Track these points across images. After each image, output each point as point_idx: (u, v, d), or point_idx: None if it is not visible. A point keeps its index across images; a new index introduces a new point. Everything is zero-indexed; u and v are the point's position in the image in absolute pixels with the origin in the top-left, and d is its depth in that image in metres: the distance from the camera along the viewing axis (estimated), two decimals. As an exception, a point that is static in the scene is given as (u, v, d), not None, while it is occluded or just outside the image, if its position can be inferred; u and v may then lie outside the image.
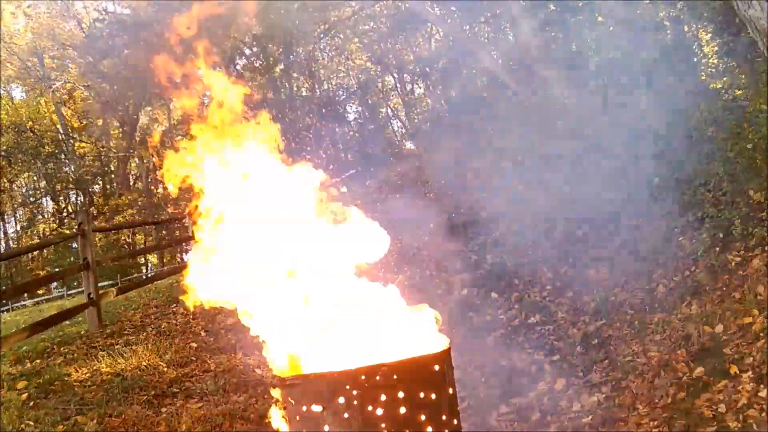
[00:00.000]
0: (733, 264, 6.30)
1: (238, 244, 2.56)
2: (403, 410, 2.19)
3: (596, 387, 5.79)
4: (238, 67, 23.45)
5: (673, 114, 7.83)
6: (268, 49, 21.44)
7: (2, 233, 30.16)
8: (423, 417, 2.21)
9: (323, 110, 21.30)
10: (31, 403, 5.02)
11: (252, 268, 2.52)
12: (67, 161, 29.54)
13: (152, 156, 26.31)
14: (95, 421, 4.75)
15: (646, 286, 6.90)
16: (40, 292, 23.42)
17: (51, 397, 5.17)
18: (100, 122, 29.49)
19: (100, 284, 8.03)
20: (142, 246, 26.31)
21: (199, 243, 2.66)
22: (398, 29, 20.05)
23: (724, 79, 9.97)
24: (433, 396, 2.25)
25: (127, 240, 28.40)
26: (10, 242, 29.82)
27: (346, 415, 2.17)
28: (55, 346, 6.56)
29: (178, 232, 25.04)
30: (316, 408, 2.21)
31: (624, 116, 9.20)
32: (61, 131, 28.44)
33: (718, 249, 6.56)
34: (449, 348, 2.46)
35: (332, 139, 22.85)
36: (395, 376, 2.20)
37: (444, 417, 2.27)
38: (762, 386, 4.71)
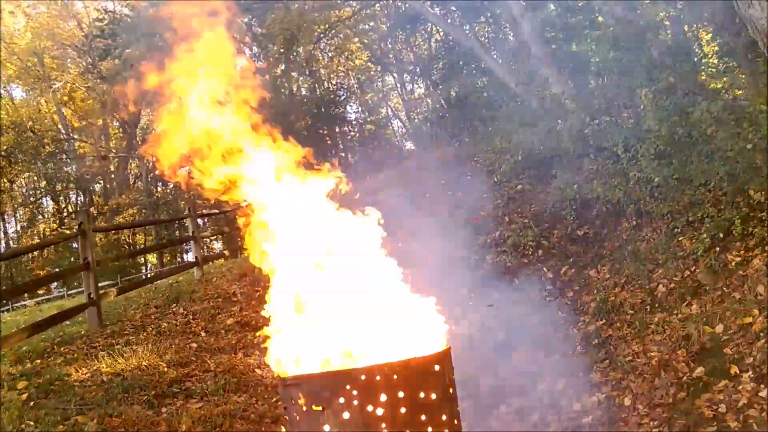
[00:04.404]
0: (733, 264, 6.30)
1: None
2: (403, 410, 2.19)
3: (596, 387, 5.79)
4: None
5: (673, 114, 7.82)
6: (269, 49, 21.45)
7: (2, 233, 30.17)
8: (423, 417, 2.21)
9: (323, 110, 21.31)
10: (32, 403, 5.02)
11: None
12: (67, 161, 29.54)
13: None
14: (95, 421, 4.75)
15: (646, 286, 6.90)
16: (40, 292, 23.42)
17: (51, 397, 5.17)
18: (100, 122, 29.50)
19: (100, 284, 8.03)
20: (142, 246, 26.30)
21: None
22: (398, 29, 20.07)
23: (724, 79, 9.98)
24: (433, 396, 2.25)
25: (128, 240, 28.40)
26: (10, 242, 29.83)
27: (346, 415, 2.17)
28: (55, 346, 6.55)
29: (178, 232, 25.06)
30: (317, 408, 2.21)
31: (624, 116, 9.20)
32: (62, 131, 28.45)
33: (718, 249, 6.56)
34: (449, 348, 2.46)
35: (333, 140, 22.86)
36: (395, 376, 2.20)
37: (444, 417, 2.27)
38: (762, 386, 4.72)
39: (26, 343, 6.62)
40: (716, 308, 5.90)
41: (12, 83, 27.47)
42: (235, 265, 11.28)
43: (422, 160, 14.23)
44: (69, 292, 21.92)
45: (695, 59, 11.33)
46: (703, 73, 10.75)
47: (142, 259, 28.43)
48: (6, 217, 30.24)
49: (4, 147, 26.04)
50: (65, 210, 31.01)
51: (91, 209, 26.02)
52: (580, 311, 7.18)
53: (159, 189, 29.61)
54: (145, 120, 29.88)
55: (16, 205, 30.67)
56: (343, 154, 22.83)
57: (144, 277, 23.24)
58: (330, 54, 25.28)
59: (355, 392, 2.16)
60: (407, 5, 17.15)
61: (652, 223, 7.72)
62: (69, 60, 26.25)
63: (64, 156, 29.50)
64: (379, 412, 2.16)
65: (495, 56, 14.66)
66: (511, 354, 6.63)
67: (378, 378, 2.18)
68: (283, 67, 22.35)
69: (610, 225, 8.30)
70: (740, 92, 9.44)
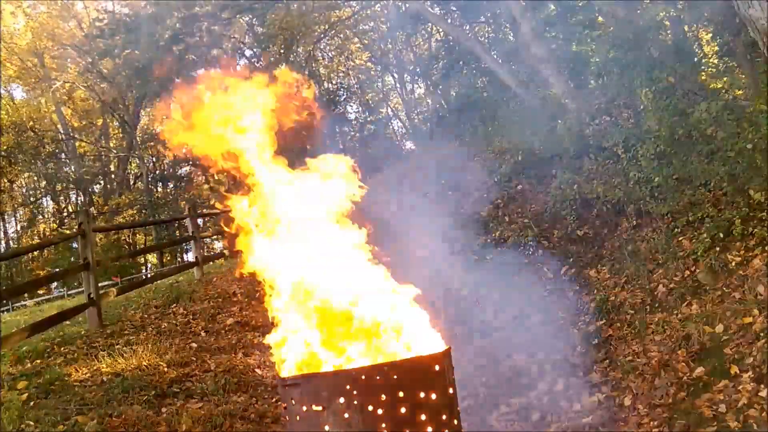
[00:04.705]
0: (733, 264, 6.30)
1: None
2: (403, 410, 2.19)
3: (596, 387, 5.79)
4: (238, 67, 23.47)
5: (673, 114, 7.82)
6: (269, 49, 21.45)
7: (2, 233, 30.17)
8: (423, 417, 2.21)
9: (323, 110, 21.31)
10: (32, 403, 5.02)
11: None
12: (67, 161, 29.54)
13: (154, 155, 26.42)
14: (95, 421, 4.75)
15: (646, 286, 6.90)
16: (40, 292, 23.40)
17: (51, 397, 5.17)
18: (100, 122, 29.50)
19: (100, 284, 8.03)
20: (142, 246, 26.29)
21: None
22: (398, 29, 20.07)
23: (724, 79, 9.98)
24: (433, 396, 2.25)
25: (128, 240, 28.39)
26: (10, 242, 29.83)
27: (346, 415, 2.17)
28: (55, 346, 6.55)
29: (178, 232, 25.06)
30: (317, 408, 2.21)
31: (624, 116, 9.20)
32: (62, 131, 28.45)
33: (718, 249, 6.56)
34: (449, 348, 2.46)
35: (332, 140, 22.88)
36: (395, 376, 2.20)
37: (444, 417, 2.27)
38: (762, 386, 4.71)
39: (26, 343, 6.62)
40: (716, 308, 5.89)
41: (12, 83, 27.49)
42: (235, 265, 11.28)
43: (422, 160, 14.22)
44: (69, 292, 21.91)
45: (695, 59, 11.33)
46: (703, 73, 10.75)
47: (142, 259, 28.43)
48: (6, 217, 30.23)
49: (4, 147, 26.04)
50: (65, 210, 31.00)
51: (91, 209, 26.02)
52: (580, 311, 7.18)
53: (159, 189, 29.61)
54: (145, 120, 29.90)
55: (16, 205, 30.66)
56: (343, 155, 22.81)
57: (144, 277, 23.23)
58: (330, 54, 25.29)
59: (355, 392, 2.16)
60: (407, 5, 17.16)
61: (652, 223, 7.72)
62: (69, 60, 26.22)
63: (63, 156, 29.49)
64: (379, 412, 2.16)
65: (495, 56, 14.65)
66: (512, 354, 6.63)
67: (378, 378, 2.18)
68: (283, 67, 22.34)
69: (610, 225, 8.30)
70: (740, 92, 9.43)
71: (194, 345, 6.67)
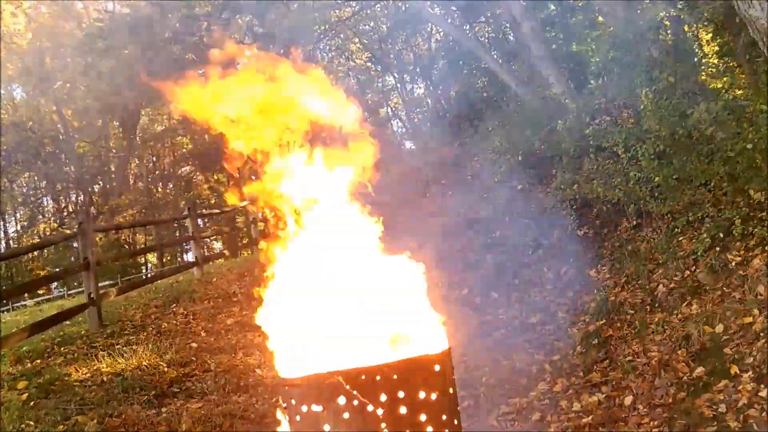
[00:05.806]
0: (733, 264, 6.30)
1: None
2: (403, 410, 2.19)
3: (596, 387, 5.79)
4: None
5: (673, 114, 7.82)
6: (269, 49, 21.44)
7: (2, 233, 30.16)
8: (423, 417, 2.21)
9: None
10: (32, 403, 5.02)
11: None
12: (67, 161, 29.52)
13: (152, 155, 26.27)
14: (95, 421, 4.75)
15: (646, 286, 6.90)
16: (40, 292, 23.39)
17: (51, 397, 5.17)
18: (99, 122, 29.48)
19: (100, 284, 8.03)
20: (142, 246, 26.29)
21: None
22: (398, 29, 20.07)
23: (724, 79, 9.96)
24: (433, 396, 2.25)
25: (128, 240, 28.38)
26: (11, 242, 29.82)
27: (346, 415, 2.17)
28: (55, 346, 6.56)
29: (178, 232, 25.05)
30: (316, 408, 2.21)
31: (624, 116, 9.20)
32: (62, 131, 28.45)
33: (718, 249, 6.56)
34: (449, 348, 2.46)
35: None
36: (395, 376, 2.20)
37: (444, 417, 2.27)
38: (762, 386, 4.71)
39: (26, 343, 6.62)
40: (716, 308, 5.89)
41: (12, 83, 27.45)
42: (235, 265, 11.30)
43: (422, 160, 14.23)
44: (69, 292, 21.90)
45: (695, 59, 11.33)
46: (703, 73, 10.75)
47: (142, 259, 28.42)
48: (6, 216, 30.23)
49: (4, 147, 26.02)
50: (65, 210, 31.00)
51: (91, 209, 26.03)
52: (580, 311, 7.18)
53: (159, 189, 29.61)
54: (145, 119, 29.90)
55: (16, 205, 30.65)
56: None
57: (144, 277, 23.22)
58: (330, 54, 25.28)
59: (355, 392, 2.16)
60: (407, 5, 17.16)
61: (652, 223, 7.72)
62: (69, 60, 26.18)
63: (63, 156, 29.47)
64: (379, 412, 2.16)
65: (495, 56, 14.66)
66: (512, 355, 6.63)
67: (378, 378, 2.18)
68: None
69: (610, 225, 8.30)
70: (740, 92, 9.42)
71: (194, 345, 6.68)
